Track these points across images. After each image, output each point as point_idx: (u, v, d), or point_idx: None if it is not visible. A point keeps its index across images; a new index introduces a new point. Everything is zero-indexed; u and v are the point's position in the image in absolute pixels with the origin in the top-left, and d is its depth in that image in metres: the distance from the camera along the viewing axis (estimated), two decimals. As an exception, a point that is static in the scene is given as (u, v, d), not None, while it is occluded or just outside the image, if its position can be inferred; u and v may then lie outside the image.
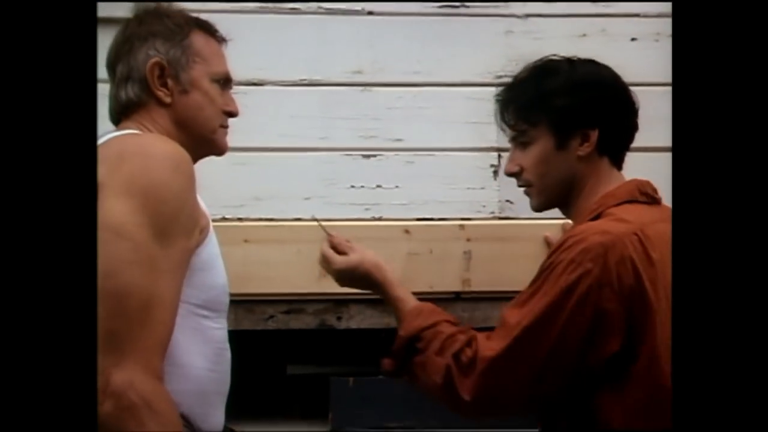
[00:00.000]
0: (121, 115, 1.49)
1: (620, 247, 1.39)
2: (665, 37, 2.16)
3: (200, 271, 1.37)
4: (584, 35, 2.18)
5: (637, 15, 2.21)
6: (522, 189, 1.62)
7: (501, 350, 1.40)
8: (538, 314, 1.40)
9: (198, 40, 1.51)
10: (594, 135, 1.52)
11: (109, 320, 1.19)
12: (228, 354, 1.48)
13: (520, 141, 1.58)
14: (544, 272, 1.44)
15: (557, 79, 1.55)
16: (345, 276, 1.63)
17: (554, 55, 1.60)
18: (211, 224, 1.45)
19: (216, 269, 1.44)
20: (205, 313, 1.40)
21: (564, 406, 1.45)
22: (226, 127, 1.57)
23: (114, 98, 1.50)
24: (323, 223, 1.67)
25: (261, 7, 2.16)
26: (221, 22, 2.07)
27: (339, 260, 1.61)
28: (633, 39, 2.19)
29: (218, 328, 1.44)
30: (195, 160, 1.54)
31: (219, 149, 1.57)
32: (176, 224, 1.30)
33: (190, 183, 1.35)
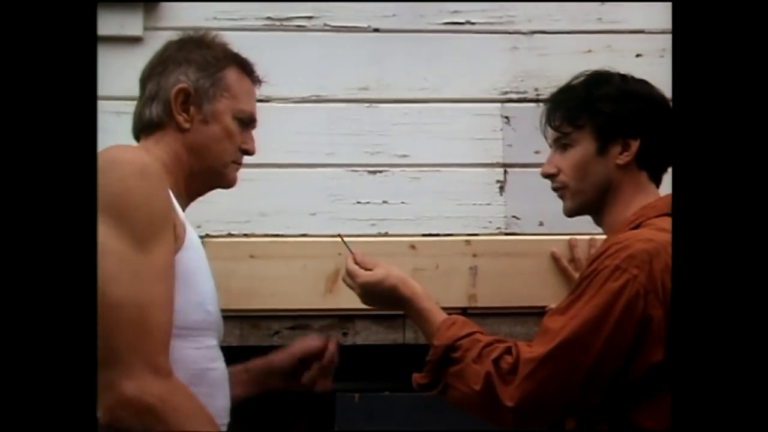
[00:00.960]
0: (140, 132, 1.52)
1: (664, 255, 1.37)
2: (670, 53, 2.16)
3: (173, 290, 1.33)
4: (589, 51, 2.18)
5: (642, 31, 2.21)
6: (553, 194, 1.64)
7: (545, 353, 1.37)
8: (583, 320, 1.37)
9: (231, 75, 1.54)
10: (635, 145, 1.54)
11: (108, 335, 1.20)
12: (214, 374, 1.44)
13: (562, 143, 1.61)
14: (586, 279, 1.43)
15: (608, 87, 1.59)
16: (370, 291, 1.61)
17: (609, 68, 1.64)
18: (193, 238, 1.43)
19: (193, 286, 1.40)
20: (177, 332, 1.32)
21: (600, 413, 1.43)
22: (239, 163, 1.59)
23: (138, 116, 1.52)
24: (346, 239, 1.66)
25: (267, 25, 2.18)
26: (228, 39, 2.11)
27: (364, 275, 1.59)
28: (638, 55, 2.19)
29: (195, 348, 1.39)
30: (203, 190, 1.58)
31: (227, 183, 1.59)
32: (153, 227, 1.30)
33: (159, 186, 1.35)
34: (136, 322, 1.23)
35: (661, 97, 1.60)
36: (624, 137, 1.55)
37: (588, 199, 1.59)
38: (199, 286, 1.43)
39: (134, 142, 1.53)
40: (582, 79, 1.63)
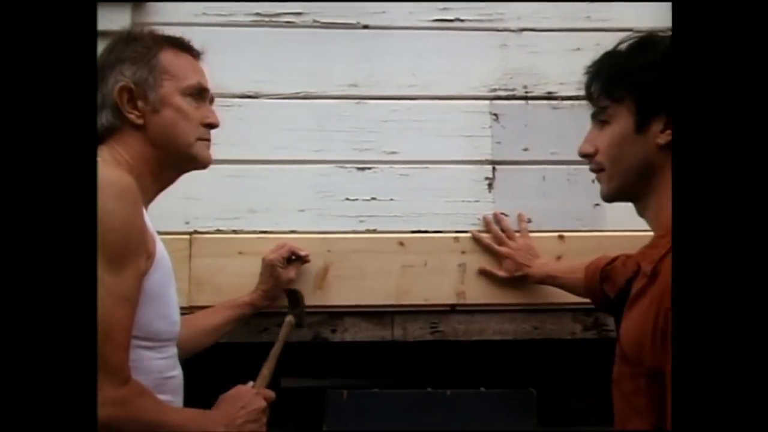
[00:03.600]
0: (101, 143, 1.49)
1: None
2: (658, 51, 2.17)
3: (145, 305, 1.39)
4: (578, 49, 2.19)
5: (630, 29, 2.19)
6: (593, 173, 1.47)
7: None
8: None
9: (166, 57, 1.52)
10: None
11: None
12: (175, 381, 1.50)
13: (600, 119, 1.42)
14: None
15: (652, 53, 1.37)
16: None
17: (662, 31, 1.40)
18: (161, 250, 1.46)
19: (163, 299, 1.45)
20: (147, 344, 1.42)
21: None
22: (206, 139, 1.57)
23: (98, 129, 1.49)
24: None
25: (256, 21, 2.17)
26: (217, 35, 2.10)
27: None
28: (626, 53, 2.20)
29: (161, 358, 1.46)
30: (177, 175, 1.57)
31: (200, 162, 1.56)
32: (126, 251, 1.34)
33: (136, 209, 1.37)
34: (102, 342, 1.24)
35: None
36: (667, 113, 1.33)
37: (625, 183, 1.40)
38: (167, 298, 1.47)
39: None
40: (626, 45, 1.42)
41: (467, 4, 2.21)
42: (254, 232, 2.09)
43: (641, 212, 1.42)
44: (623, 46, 1.42)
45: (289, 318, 1.89)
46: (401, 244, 2.10)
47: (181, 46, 1.56)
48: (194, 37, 1.59)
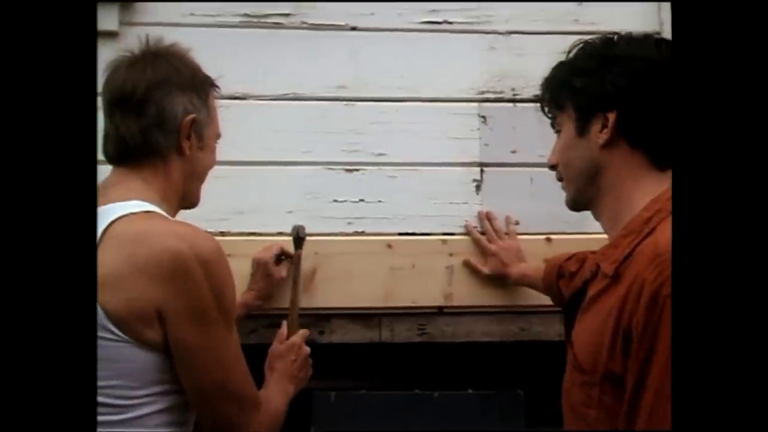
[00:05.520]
0: (132, 157, 1.44)
1: None
2: (645, 54, 2.18)
3: None
4: (566, 52, 2.19)
5: (617, 32, 2.22)
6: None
7: None
8: None
9: (212, 98, 1.54)
10: (611, 118, 1.30)
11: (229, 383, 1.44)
12: None
13: (556, 130, 1.43)
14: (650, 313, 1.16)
15: (587, 58, 1.37)
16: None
17: (614, 34, 1.39)
18: None
19: None
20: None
21: None
22: None
23: (129, 137, 1.43)
24: None
25: (244, 22, 2.17)
26: (205, 36, 2.10)
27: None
28: (614, 56, 2.21)
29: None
30: (177, 210, 1.57)
31: (195, 204, 1.60)
32: (235, 309, 1.46)
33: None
34: (241, 381, 1.43)
35: (649, 56, 1.32)
36: (603, 111, 1.31)
37: (579, 189, 1.38)
38: None
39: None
40: (571, 52, 1.42)
41: (455, 6, 2.21)
42: (242, 233, 2.08)
43: (597, 216, 1.40)
44: (569, 55, 1.42)
45: (299, 251, 1.96)
46: (389, 246, 2.10)
47: (216, 90, 1.56)
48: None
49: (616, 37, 1.38)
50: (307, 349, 1.74)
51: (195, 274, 1.32)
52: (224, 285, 1.38)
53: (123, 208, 1.36)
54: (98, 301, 1.26)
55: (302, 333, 1.76)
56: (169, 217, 1.44)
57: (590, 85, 1.33)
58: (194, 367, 1.35)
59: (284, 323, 1.81)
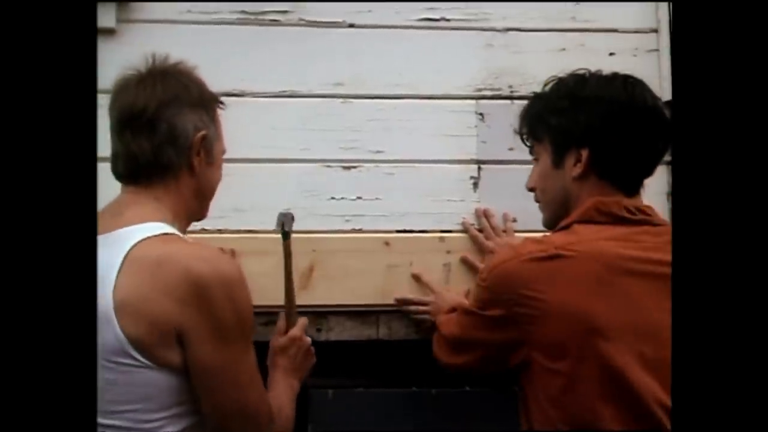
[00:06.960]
0: (143, 175, 1.46)
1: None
2: (643, 52, 2.18)
3: None
4: (563, 50, 2.20)
5: (615, 30, 2.23)
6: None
7: None
8: None
9: (218, 115, 1.56)
10: (585, 155, 1.52)
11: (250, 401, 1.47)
12: None
13: (533, 157, 1.64)
14: None
15: (560, 97, 1.56)
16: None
17: (584, 70, 1.59)
18: None
19: None
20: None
21: None
22: None
23: (140, 155, 1.44)
24: None
25: (241, 19, 2.16)
26: (202, 33, 2.09)
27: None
28: (611, 54, 2.21)
29: None
30: (187, 227, 1.58)
31: (202, 219, 1.61)
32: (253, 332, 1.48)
33: None
34: (258, 398, 1.47)
35: (617, 97, 1.52)
36: (577, 147, 1.53)
37: (553, 212, 1.60)
38: None
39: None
40: (549, 86, 1.61)
41: (453, 4, 2.21)
42: (240, 231, 2.08)
43: None
44: (545, 89, 1.61)
45: (287, 242, 1.90)
46: (386, 243, 2.10)
47: (221, 107, 1.59)
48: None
49: (587, 74, 1.57)
50: (308, 340, 1.73)
51: (218, 296, 1.34)
52: (245, 307, 1.41)
53: (142, 231, 1.37)
54: (119, 326, 1.29)
55: (301, 323, 1.75)
56: (187, 239, 1.45)
57: (564, 123, 1.54)
58: (212, 387, 1.37)
59: (282, 315, 1.80)
